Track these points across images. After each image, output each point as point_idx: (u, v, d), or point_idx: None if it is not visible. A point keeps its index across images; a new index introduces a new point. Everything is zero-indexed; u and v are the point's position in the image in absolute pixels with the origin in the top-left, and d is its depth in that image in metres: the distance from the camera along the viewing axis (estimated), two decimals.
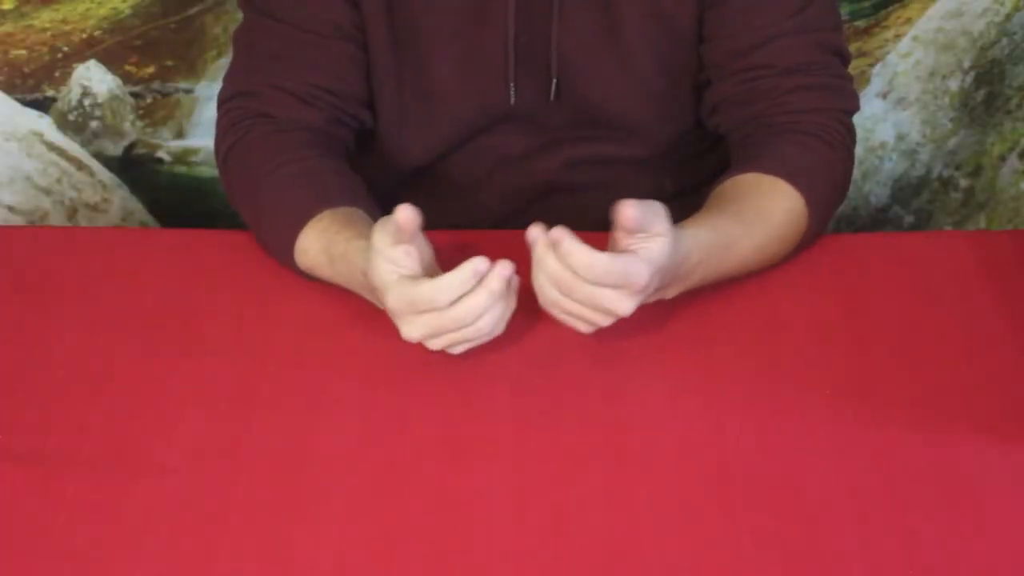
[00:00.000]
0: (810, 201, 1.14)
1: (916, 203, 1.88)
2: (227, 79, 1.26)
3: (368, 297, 1.07)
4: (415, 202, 1.32)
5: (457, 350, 1.01)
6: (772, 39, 1.19)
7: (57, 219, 1.82)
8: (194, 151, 1.80)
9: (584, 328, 1.02)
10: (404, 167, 1.29)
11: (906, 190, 1.86)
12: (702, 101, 1.26)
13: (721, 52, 1.21)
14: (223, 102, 1.24)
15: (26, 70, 1.73)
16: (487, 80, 1.23)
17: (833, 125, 1.19)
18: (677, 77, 1.25)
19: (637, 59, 1.22)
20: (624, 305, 0.99)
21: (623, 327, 1.06)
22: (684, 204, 1.14)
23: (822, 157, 1.18)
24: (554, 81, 1.22)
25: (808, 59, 1.19)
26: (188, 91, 1.76)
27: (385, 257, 1.00)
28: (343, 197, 1.14)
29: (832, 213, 1.21)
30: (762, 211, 1.13)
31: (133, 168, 1.81)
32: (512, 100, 1.23)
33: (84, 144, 1.79)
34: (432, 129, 1.27)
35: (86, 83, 1.74)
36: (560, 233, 0.98)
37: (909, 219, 1.89)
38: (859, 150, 1.83)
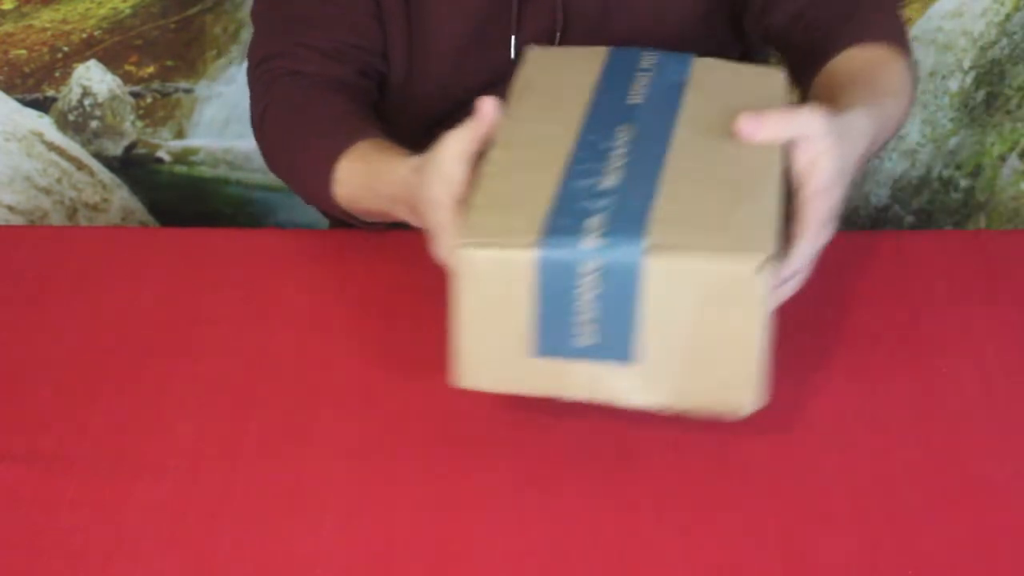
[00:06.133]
0: (911, 67, 1.13)
1: (916, 203, 1.88)
2: (251, 49, 1.27)
3: (404, 214, 1.05)
4: None
5: None
6: None
7: (57, 219, 1.82)
8: (194, 151, 1.81)
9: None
10: (415, 126, 1.29)
11: (906, 190, 1.87)
12: (747, 12, 1.23)
13: None
14: (251, 69, 1.26)
15: (26, 70, 1.73)
16: (492, 37, 1.23)
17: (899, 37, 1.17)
18: (705, 10, 1.23)
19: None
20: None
21: None
22: None
23: (906, 38, 1.16)
24: (560, 18, 1.22)
25: None
26: (188, 91, 1.76)
27: (441, 171, 0.95)
28: (376, 132, 1.15)
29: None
30: (894, 79, 1.10)
31: (133, 168, 1.81)
32: (512, 55, 1.23)
33: (84, 144, 1.79)
34: (438, 88, 1.27)
35: (86, 83, 1.75)
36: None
37: (909, 219, 1.89)
38: None
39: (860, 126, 0.98)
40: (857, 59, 1.12)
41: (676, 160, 0.90)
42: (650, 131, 0.94)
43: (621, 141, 0.92)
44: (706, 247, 0.83)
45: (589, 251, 0.83)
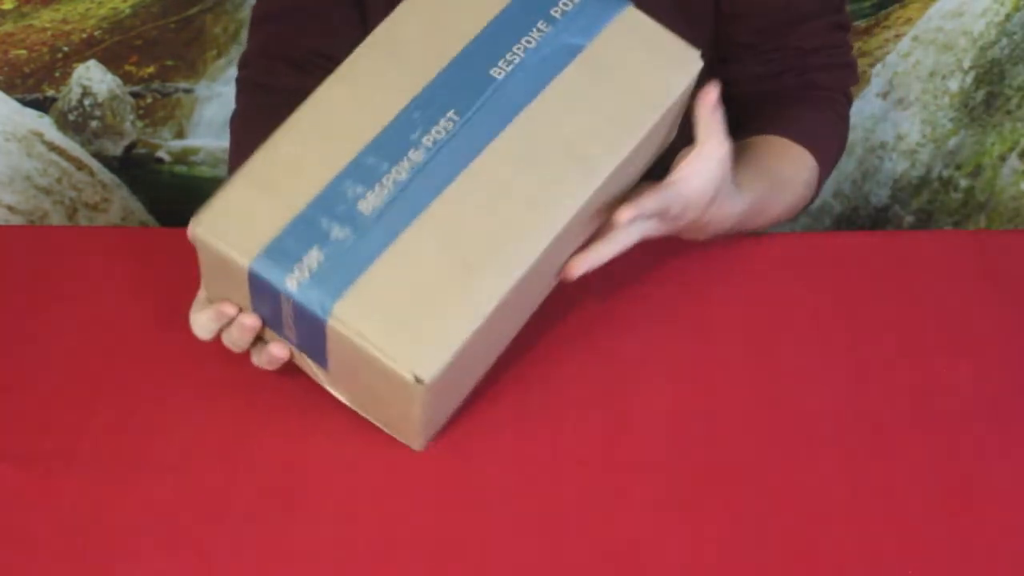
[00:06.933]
0: (823, 173, 1.22)
1: (916, 203, 1.88)
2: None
3: None
4: None
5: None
6: (801, 21, 1.23)
7: (57, 219, 1.82)
8: (194, 151, 1.81)
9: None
10: None
11: (906, 190, 1.87)
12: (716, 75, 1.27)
13: (749, 31, 1.24)
14: (238, 70, 1.29)
15: (26, 70, 1.73)
16: None
17: (842, 100, 1.27)
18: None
19: None
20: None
21: (623, 326, 1.06)
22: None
23: (838, 130, 1.26)
24: None
25: (828, 41, 1.25)
26: (188, 91, 1.76)
27: None
28: None
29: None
30: (791, 181, 1.18)
31: (133, 168, 1.81)
32: None
33: (84, 144, 1.79)
34: None
35: (86, 83, 1.74)
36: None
37: (909, 219, 1.89)
38: (859, 150, 1.84)
39: (738, 202, 1.08)
40: (776, 145, 1.19)
41: (447, 200, 0.91)
42: (467, 136, 0.93)
43: (430, 139, 0.92)
44: (379, 341, 0.87)
45: (289, 290, 0.88)
